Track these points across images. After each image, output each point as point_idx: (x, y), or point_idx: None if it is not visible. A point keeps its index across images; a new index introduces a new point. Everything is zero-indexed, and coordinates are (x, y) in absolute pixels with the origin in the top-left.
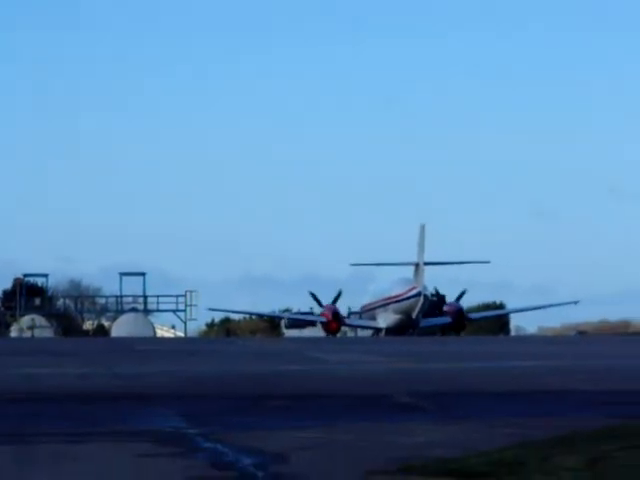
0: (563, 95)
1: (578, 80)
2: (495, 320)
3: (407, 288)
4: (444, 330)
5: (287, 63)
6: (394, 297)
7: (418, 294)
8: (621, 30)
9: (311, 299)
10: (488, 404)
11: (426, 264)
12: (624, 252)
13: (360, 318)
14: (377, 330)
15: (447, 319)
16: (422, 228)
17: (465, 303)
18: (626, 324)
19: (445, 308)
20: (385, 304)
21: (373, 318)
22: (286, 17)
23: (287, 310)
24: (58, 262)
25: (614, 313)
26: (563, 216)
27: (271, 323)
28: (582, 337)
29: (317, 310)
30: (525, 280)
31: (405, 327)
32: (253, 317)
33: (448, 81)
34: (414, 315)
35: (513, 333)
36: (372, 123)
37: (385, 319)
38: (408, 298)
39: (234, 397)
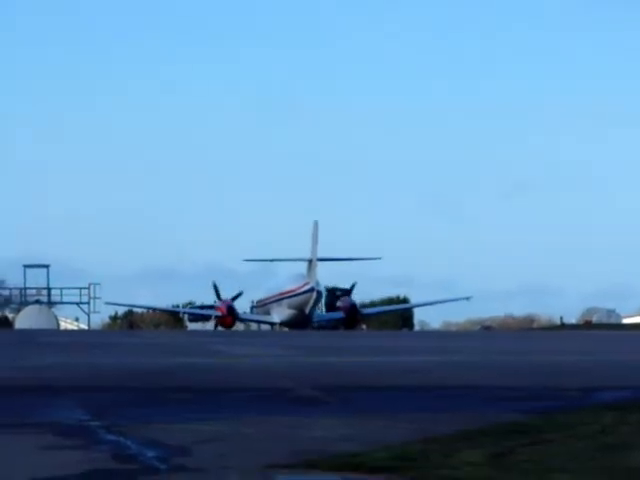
0: (461, 86)
1: (476, 69)
2: (398, 315)
3: (300, 283)
4: (342, 325)
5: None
6: (287, 292)
7: (311, 289)
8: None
9: (214, 291)
10: (391, 399)
11: (319, 260)
12: (529, 247)
13: (254, 313)
14: (272, 325)
15: (340, 314)
16: (315, 224)
17: (368, 297)
18: (531, 319)
19: (338, 304)
20: (279, 299)
21: (267, 313)
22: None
23: (190, 303)
24: None
25: (519, 308)
26: (467, 212)
27: (175, 316)
28: (487, 332)
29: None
30: (429, 275)
31: (299, 322)
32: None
33: (338, 76)
34: (307, 310)
35: (417, 327)
36: (264, 119)
37: (279, 314)
38: (301, 293)
39: (137, 390)
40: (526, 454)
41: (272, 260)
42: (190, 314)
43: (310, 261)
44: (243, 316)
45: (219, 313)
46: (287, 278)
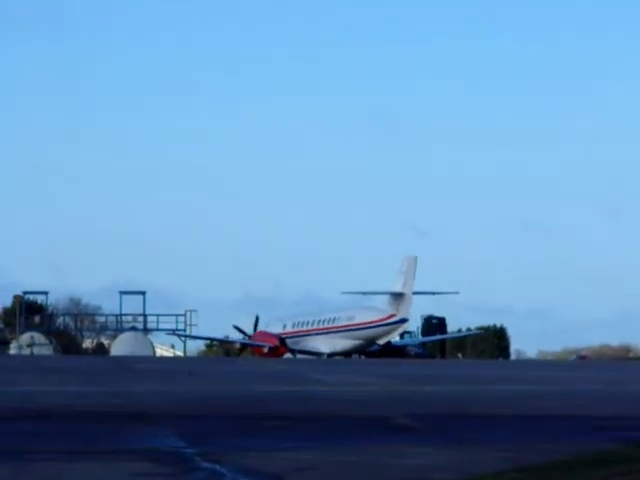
0: (554, 99)
1: (577, 96)
2: (495, 344)
3: (383, 315)
4: (377, 356)
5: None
6: (360, 324)
7: (402, 320)
8: (618, 37)
9: (254, 322)
10: (485, 428)
11: (400, 294)
12: (626, 275)
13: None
14: (317, 355)
15: (375, 346)
16: (413, 259)
17: (466, 324)
18: (627, 349)
19: None
20: (336, 330)
21: (297, 343)
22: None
23: None
24: (58, 280)
25: (615, 337)
26: (564, 239)
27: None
28: (582, 362)
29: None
30: (526, 303)
31: (355, 352)
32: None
33: (426, 98)
34: (384, 341)
35: (513, 357)
36: (361, 150)
37: (331, 344)
38: (388, 324)
39: (233, 417)
40: None
41: (366, 293)
42: (241, 344)
43: (400, 294)
44: (292, 346)
45: (271, 344)
46: (357, 310)
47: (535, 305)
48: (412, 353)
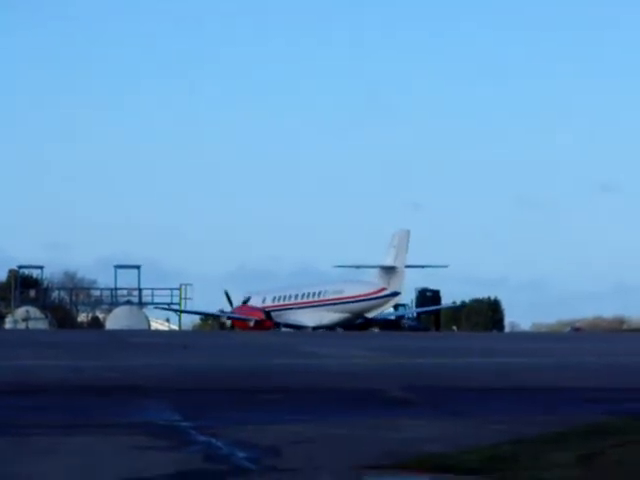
0: (548, 82)
1: (569, 73)
2: (489, 317)
3: (373, 289)
4: (360, 328)
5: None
6: (349, 297)
7: (393, 294)
8: (605, 21)
9: (225, 298)
10: (481, 400)
11: (392, 268)
12: (619, 248)
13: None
14: (300, 328)
15: (360, 319)
16: (406, 233)
17: (461, 297)
18: (620, 321)
19: None
20: (324, 303)
21: (279, 317)
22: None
23: None
24: (53, 254)
25: (609, 309)
26: (558, 212)
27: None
28: (576, 334)
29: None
30: (520, 276)
31: (342, 325)
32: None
33: (421, 75)
34: (373, 314)
35: (507, 329)
36: (354, 124)
37: (317, 317)
38: (379, 297)
39: (228, 390)
40: (615, 455)
41: (359, 267)
42: (233, 318)
43: (391, 268)
44: (278, 320)
45: (257, 318)
46: (346, 283)
47: (529, 277)
48: (406, 326)
